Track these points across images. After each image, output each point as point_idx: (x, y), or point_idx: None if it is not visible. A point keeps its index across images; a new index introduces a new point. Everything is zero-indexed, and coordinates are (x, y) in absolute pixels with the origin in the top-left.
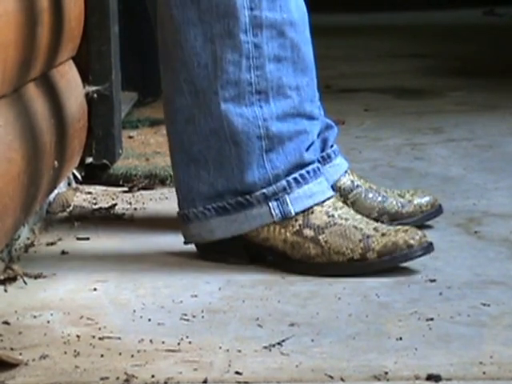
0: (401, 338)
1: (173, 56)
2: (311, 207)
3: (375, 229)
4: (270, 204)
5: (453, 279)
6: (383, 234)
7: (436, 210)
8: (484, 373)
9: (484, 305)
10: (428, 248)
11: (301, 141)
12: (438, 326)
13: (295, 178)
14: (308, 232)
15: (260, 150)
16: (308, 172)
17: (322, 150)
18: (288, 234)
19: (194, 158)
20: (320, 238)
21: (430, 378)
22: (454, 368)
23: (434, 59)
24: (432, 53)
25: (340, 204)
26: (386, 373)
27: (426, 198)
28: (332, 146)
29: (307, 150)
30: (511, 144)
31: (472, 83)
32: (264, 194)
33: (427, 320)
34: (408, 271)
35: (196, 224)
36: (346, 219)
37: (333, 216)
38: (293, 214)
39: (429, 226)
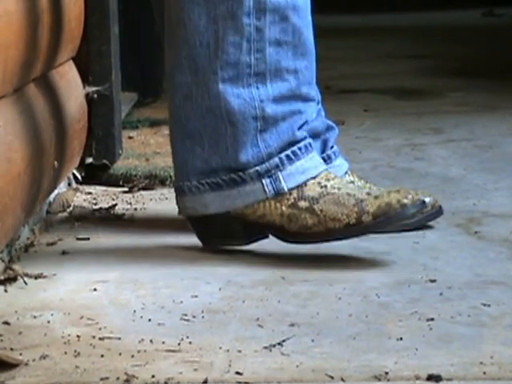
0: (401, 338)
1: (176, 34)
2: (304, 182)
3: (368, 193)
4: (263, 181)
5: (453, 279)
6: (376, 197)
7: (436, 211)
8: (484, 373)
9: (484, 305)
10: (421, 206)
11: (294, 120)
12: (439, 326)
13: (287, 155)
14: (303, 203)
15: (255, 130)
16: (300, 148)
17: (323, 151)
18: (284, 208)
19: (190, 133)
20: (315, 207)
21: (430, 378)
22: (454, 368)
23: (433, 60)
24: (432, 53)
25: (332, 175)
26: (387, 373)
27: (427, 199)
28: (332, 147)
29: (300, 128)
30: (511, 144)
31: (472, 84)
32: (257, 171)
33: (427, 320)
34: (408, 271)
35: (190, 198)
36: (339, 188)
37: (325, 186)
38: (285, 190)
39: (429, 227)
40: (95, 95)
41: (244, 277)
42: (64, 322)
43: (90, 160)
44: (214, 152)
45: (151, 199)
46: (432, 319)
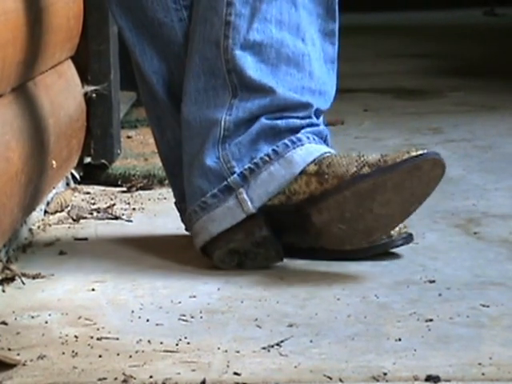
0: (400, 339)
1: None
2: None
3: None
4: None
5: (452, 280)
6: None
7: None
8: (483, 374)
9: (483, 306)
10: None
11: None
12: (437, 327)
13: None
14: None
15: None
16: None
17: None
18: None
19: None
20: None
21: (428, 378)
22: (453, 369)
23: (433, 59)
24: (431, 53)
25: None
26: (385, 374)
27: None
28: None
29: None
30: (511, 144)
31: (471, 83)
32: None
33: (426, 321)
34: (407, 272)
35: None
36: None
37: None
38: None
39: (428, 228)
40: (94, 94)
41: (242, 277)
42: (62, 323)
43: (88, 159)
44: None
45: (149, 199)
46: (431, 320)
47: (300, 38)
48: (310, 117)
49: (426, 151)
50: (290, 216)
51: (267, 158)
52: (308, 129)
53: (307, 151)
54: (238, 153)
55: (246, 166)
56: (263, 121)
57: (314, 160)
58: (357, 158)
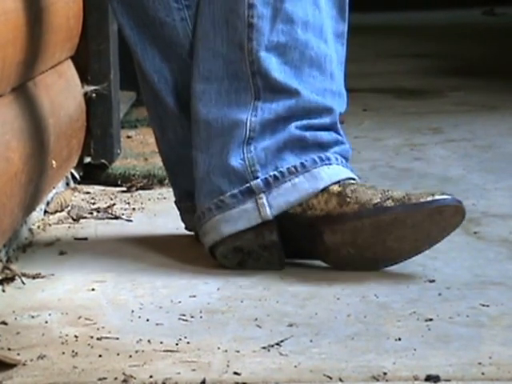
0: (400, 339)
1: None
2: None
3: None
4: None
5: (452, 280)
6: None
7: None
8: (483, 373)
9: (483, 305)
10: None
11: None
12: (437, 327)
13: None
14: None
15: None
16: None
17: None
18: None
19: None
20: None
21: (428, 378)
22: (452, 368)
23: (433, 59)
24: (431, 53)
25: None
26: (385, 373)
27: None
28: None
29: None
30: (511, 144)
31: (471, 83)
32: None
33: (426, 320)
34: (407, 271)
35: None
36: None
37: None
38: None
39: None
40: (94, 94)
41: (242, 277)
42: (62, 322)
43: (88, 159)
44: None
45: (149, 199)
46: (431, 319)
47: (323, 40)
48: (336, 129)
49: (449, 196)
50: (301, 228)
51: (294, 170)
52: (336, 148)
53: (334, 171)
54: (264, 158)
55: (270, 173)
56: (292, 130)
57: (339, 181)
58: (382, 191)
